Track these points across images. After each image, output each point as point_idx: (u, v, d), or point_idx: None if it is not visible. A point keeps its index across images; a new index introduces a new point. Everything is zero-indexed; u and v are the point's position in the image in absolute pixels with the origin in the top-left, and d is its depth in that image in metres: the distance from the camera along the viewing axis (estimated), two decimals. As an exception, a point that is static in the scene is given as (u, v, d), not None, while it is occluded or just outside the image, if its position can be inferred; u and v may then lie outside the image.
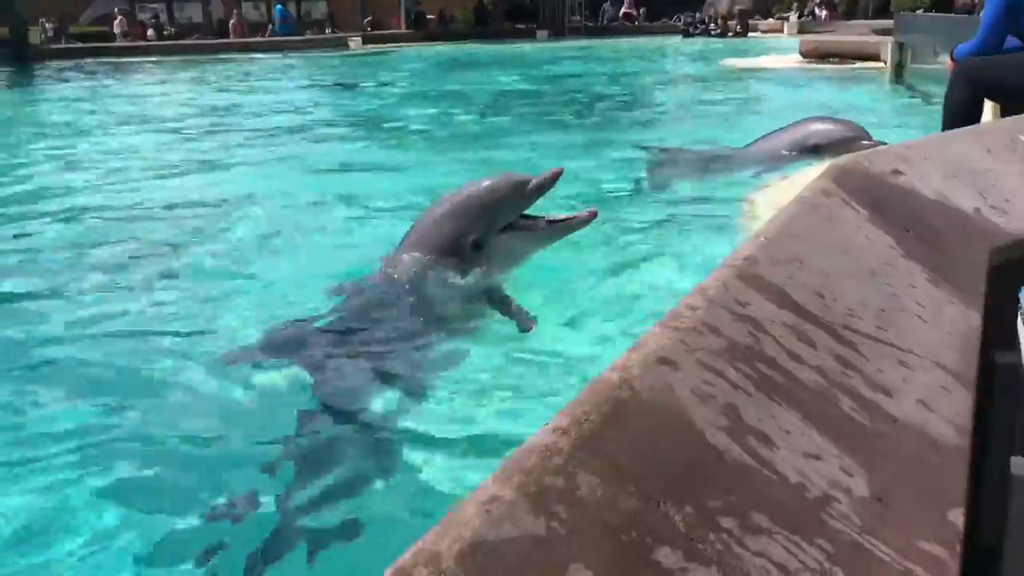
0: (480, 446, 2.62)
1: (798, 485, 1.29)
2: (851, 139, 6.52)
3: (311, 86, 16.87)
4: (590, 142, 8.77)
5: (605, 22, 34.29)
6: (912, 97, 11.70)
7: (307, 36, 30.85)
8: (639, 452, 1.19)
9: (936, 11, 19.46)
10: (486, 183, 3.72)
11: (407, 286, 3.59)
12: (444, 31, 32.29)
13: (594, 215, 3.67)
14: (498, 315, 3.53)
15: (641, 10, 34.39)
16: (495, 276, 3.70)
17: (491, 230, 3.62)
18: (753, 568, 1.09)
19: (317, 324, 3.46)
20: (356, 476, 2.55)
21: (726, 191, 5.89)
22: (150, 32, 30.93)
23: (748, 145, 7.12)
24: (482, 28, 33.00)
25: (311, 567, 2.21)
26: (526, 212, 3.70)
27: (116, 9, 28.80)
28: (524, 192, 3.63)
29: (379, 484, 2.50)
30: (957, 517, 1.36)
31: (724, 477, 1.23)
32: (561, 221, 3.67)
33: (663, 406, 1.30)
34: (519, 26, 33.06)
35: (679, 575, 1.03)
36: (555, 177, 3.62)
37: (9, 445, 2.80)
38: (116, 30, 29.65)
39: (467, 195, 3.73)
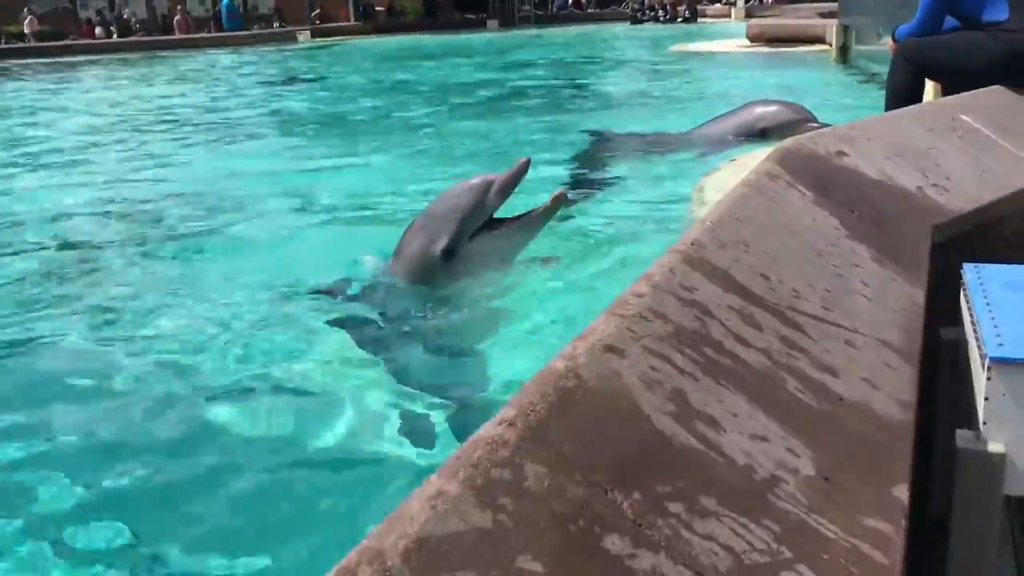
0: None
1: (745, 467, 1.30)
2: (797, 121, 6.60)
3: (261, 81, 16.68)
4: (540, 130, 8.78)
5: (555, 10, 34.32)
6: (857, 79, 11.86)
7: (255, 31, 30.47)
8: (586, 440, 1.19)
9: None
10: (450, 190, 3.69)
11: (387, 300, 3.56)
12: (393, 23, 32.09)
13: (562, 198, 3.61)
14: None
15: (589, -3, 34.51)
16: (476, 282, 3.62)
17: (461, 237, 3.54)
18: (701, 551, 1.10)
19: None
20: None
21: (673, 175, 5.93)
22: (98, 30, 30.29)
23: (695, 128, 7.17)
24: (431, 19, 32.85)
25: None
26: (503, 214, 3.62)
27: (26, 8, 27.11)
28: (489, 192, 3.54)
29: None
30: (902, 492, 1.38)
31: (672, 462, 1.24)
32: (528, 214, 3.59)
33: (610, 393, 1.30)
34: (469, 16, 32.98)
35: (627, 561, 1.03)
36: (522, 170, 3.56)
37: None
38: (26, 30, 28.01)
39: (433, 204, 3.69)
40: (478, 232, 3.58)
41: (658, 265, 1.75)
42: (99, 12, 32.60)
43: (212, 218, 5.52)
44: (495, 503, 1.02)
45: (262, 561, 2.23)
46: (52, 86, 16.79)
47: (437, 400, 2.92)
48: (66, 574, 2.22)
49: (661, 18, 29.63)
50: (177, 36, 28.61)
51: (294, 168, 7.28)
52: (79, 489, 2.55)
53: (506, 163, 6.86)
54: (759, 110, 7.03)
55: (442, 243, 3.54)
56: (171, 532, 2.33)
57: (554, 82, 14.00)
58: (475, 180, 3.65)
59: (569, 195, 5.34)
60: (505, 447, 1.11)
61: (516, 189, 3.61)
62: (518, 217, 3.61)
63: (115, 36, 29.63)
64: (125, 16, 32.39)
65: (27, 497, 2.54)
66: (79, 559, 2.27)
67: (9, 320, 3.96)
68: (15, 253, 5.08)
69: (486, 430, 1.15)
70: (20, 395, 3.28)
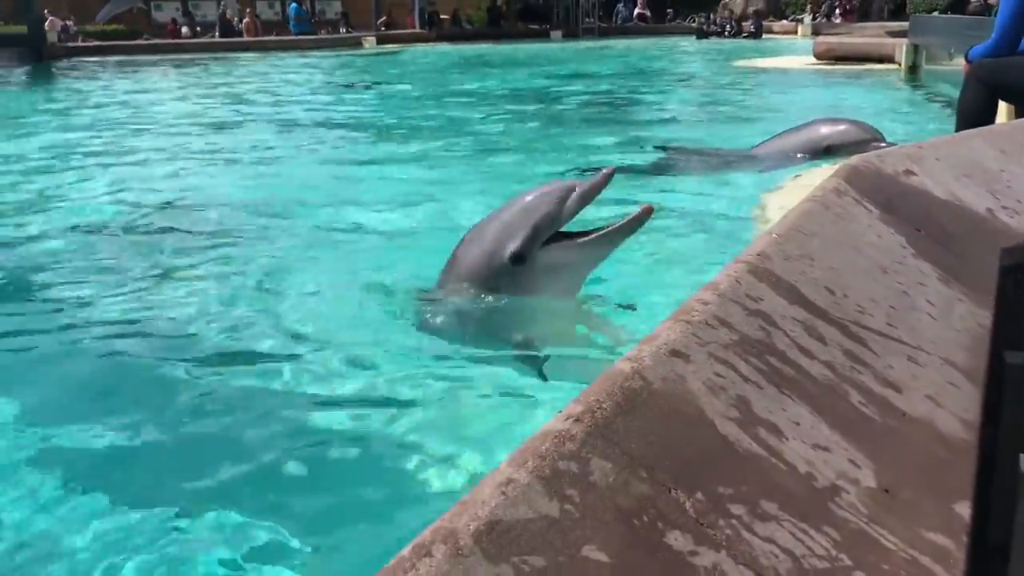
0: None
1: (807, 475, 1.31)
2: (863, 140, 6.52)
3: (328, 84, 16.95)
4: (603, 142, 8.79)
5: (619, 22, 34.31)
6: (926, 98, 11.67)
7: (321, 35, 30.99)
8: (650, 440, 1.22)
9: (952, 13, 19.40)
10: (528, 193, 3.38)
11: (454, 304, 3.38)
12: (457, 31, 32.36)
13: (650, 211, 3.27)
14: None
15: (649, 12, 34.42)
16: (544, 292, 3.37)
17: (533, 242, 3.30)
18: (761, 553, 1.12)
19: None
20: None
21: (737, 190, 5.90)
22: (185, 30, 31.05)
23: (760, 145, 7.13)
24: (495, 29, 33.06)
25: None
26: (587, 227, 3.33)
27: (46, 10, 26.61)
28: (567, 199, 3.28)
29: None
30: (963, 509, 1.39)
31: (734, 466, 1.26)
32: (611, 226, 3.30)
33: (675, 396, 1.33)
34: (532, 27, 33.12)
35: (689, 558, 1.06)
36: (605, 179, 3.28)
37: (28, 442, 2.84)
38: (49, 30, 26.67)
39: (507, 206, 3.43)
40: (552, 240, 3.33)
41: (724, 274, 1.77)
42: (185, 13, 33.47)
43: (276, 220, 5.63)
44: (562, 493, 1.05)
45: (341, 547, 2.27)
46: (126, 84, 17.26)
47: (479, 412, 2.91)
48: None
49: (726, 33, 29.46)
50: (246, 39, 29.20)
51: (360, 173, 7.39)
52: (179, 491, 2.57)
53: (568, 176, 6.92)
54: (825, 128, 6.96)
55: (513, 246, 3.31)
56: (261, 517, 2.36)
57: (618, 94, 14.00)
58: (554, 185, 3.37)
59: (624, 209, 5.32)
60: (572, 441, 1.14)
61: (596, 199, 3.30)
62: (599, 229, 3.34)
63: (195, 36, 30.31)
64: (197, 18, 33.21)
65: (110, 489, 2.58)
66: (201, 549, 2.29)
67: (94, 309, 4.07)
68: (92, 243, 5.23)
69: (553, 424, 1.19)
70: (110, 385, 3.34)
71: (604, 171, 3.27)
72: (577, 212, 3.28)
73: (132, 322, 3.92)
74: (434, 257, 4.18)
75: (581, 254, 3.35)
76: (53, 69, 20.91)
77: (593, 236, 3.31)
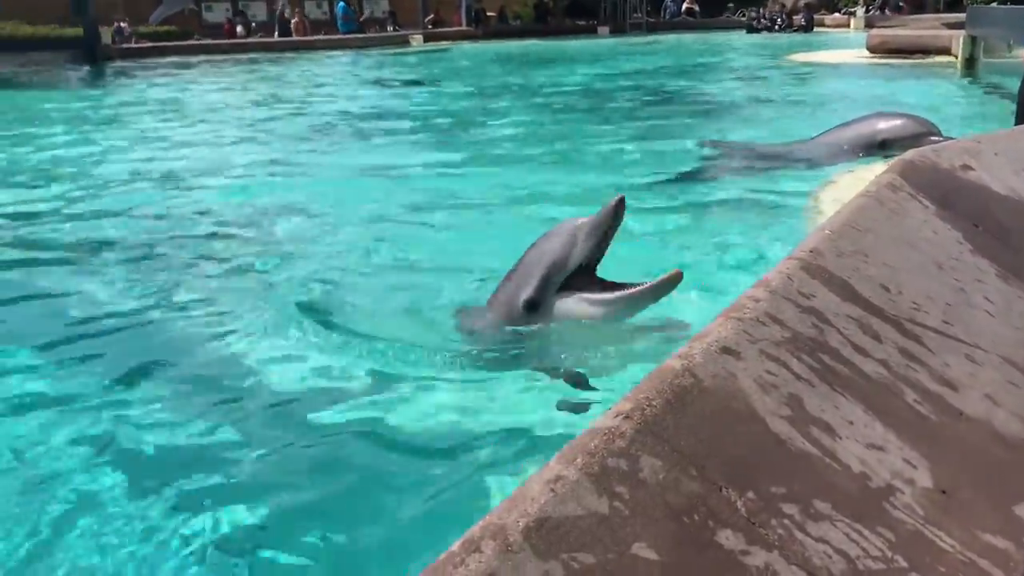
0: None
1: (861, 475, 1.29)
2: (919, 134, 6.38)
3: (377, 83, 17.04)
4: (653, 137, 8.72)
5: (667, 17, 34.02)
6: (984, 92, 11.39)
7: (369, 34, 31.18)
8: (701, 437, 1.21)
9: (1011, 3, 18.94)
10: (541, 237, 3.26)
11: (480, 337, 3.33)
12: (504, 28, 32.35)
13: (678, 278, 3.07)
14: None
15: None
16: (556, 341, 3.26)
17: (545, 290, 3.21)
18: (815, 553, 1.10)
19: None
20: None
21: (789, 186, 5.80)
22: (240, 29, 31.49)
23: (813, 139, 7.02)
24: (542, 25, 32.98)
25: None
26: (612, 280, 3.19)
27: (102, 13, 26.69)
28: (575, 242, 3.16)
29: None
30: (1023, 511, 1.35)
31: (786, 465, 1.24)
32: (637, 287, 3.12)
33: (726, 394, 1.31)
34: (580, 23, 32.99)
35: (740, 557, 1.05)
36: (612, 212, 3.10)
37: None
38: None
39: (530, 248, 3.32)
40: (573, 287, 3.21)
41: (776, 271, 1.75)
42: (239, 13, 33.92)
43: (326, 219, 5.65)
44: (612, 491, 1.05)
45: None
46: (178, 83, 17.55)
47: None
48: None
49: (777, 27, 29.06)
50: (295, 39, 29.51)
51: (407, 172, 7.41)
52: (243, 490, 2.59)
53: (617, 172, 6.88)
54: (880, 122, 6.82)
55: (525, 294, 3.23)
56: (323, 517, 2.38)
57: (668, 90, 13.87)
58: (562, 226, 3.23)
59: (672, 204, 5.26)
60: (621, 438, 1.14)
61: (615, 231, 3.13)
62: (627, 285, 3.19)
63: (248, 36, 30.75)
64: (248, 18, 33.65)
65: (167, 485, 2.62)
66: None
67: (166, 303, 4.12)
68: (164, 243, 5.28)
69: (602, 421, 1.18)
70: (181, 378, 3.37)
71: (611, 203, 3.07)
72: (594, 249, 3.14)
73: (184, 315, 3.98)
74: (479, 255, 4.16)
75: (597, 311, 3.22)
76: (107, 70, 21.33)
77: (614, 295, 3.18)
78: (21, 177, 7.78)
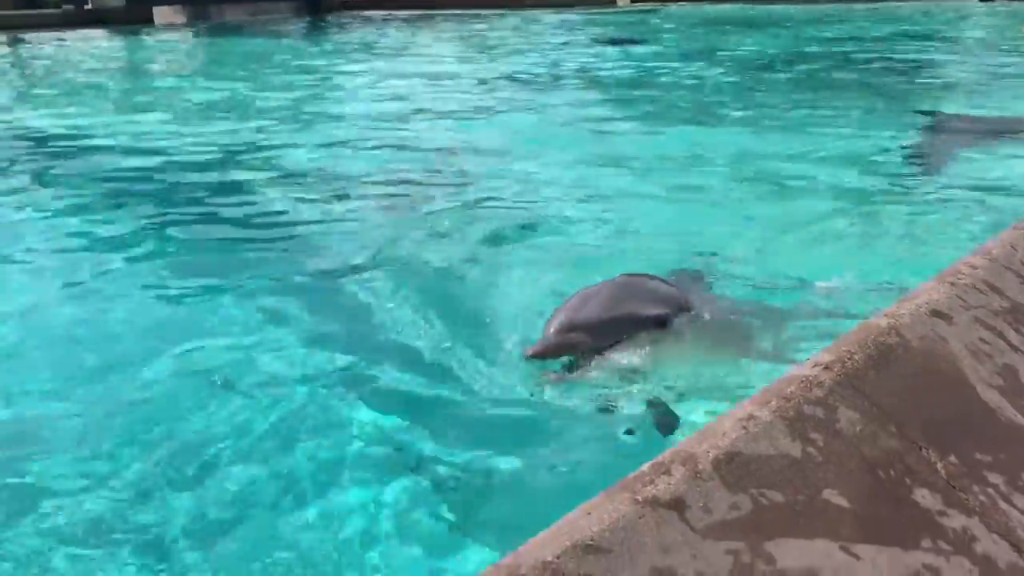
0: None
1: (1078, 454, 1.21)
2: None
3: (584, 43, 16.99)
4: (870, 105, 8.26)
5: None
6: None
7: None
8: (903, 396, 1.17)
9: None
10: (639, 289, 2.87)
11: None
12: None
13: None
14: None
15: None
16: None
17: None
18: (1019, 525, 1.05)
19: None
20: None
21: (1015, 160, 5.37)
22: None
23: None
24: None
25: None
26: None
27: None
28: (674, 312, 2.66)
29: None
30: None
31: (994, 434, 1.19)
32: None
33: (933, 356, 1.26)
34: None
35: (937, 518, 1.01)
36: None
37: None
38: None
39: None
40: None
41: (998, 240, 1.65)
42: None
43: (529, 182, 5.62)
44: (806, 436, 1.04)
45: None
46: (395, 37, 18.17)
47: None
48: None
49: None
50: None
51: (612, 138, 7.32)
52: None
53: (844, 139, 6.47)
54: None
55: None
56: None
57: (889, 57, 13.04)
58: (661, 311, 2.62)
59: (886, 176, 4.96)
60: (819, 387, 1.12)
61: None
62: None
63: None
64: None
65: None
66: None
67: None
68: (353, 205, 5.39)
69: (800, 369, 1.17)
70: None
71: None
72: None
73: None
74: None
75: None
76: (328, 24, 22.37)
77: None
78: (250, 111, 8.37)
